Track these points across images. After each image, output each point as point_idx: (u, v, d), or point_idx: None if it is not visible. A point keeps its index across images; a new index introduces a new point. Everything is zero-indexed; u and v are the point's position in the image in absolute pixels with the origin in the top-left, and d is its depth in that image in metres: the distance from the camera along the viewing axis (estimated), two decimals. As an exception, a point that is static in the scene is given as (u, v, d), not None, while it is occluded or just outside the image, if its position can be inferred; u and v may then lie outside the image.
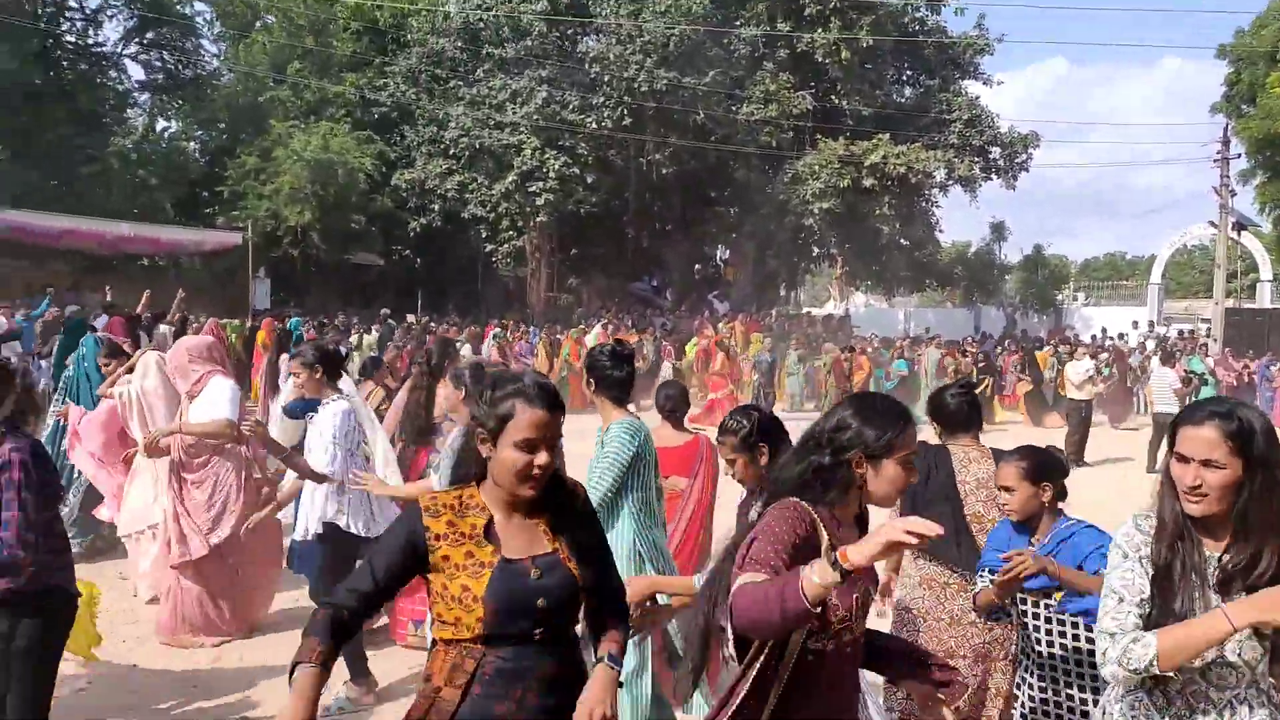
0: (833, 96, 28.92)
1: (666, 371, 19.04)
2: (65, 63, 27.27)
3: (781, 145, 27.97)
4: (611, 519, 3.64)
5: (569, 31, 27.62)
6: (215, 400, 5.14)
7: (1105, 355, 18.87)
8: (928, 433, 3.61)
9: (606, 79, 26.17)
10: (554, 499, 2.19)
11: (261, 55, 29.13)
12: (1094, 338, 24.71)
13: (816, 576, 1.69)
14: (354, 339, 18.12)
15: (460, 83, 28.15)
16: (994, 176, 30.27)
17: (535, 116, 26.04)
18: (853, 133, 27.86)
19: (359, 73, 29.87)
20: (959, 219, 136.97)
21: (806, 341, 22.19)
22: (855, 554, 1.69)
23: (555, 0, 26.85)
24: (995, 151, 29.91)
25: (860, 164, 26.49)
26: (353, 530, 4.58)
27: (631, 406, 3.86)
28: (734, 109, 27.52)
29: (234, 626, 5.40)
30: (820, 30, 27.10)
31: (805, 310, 37.52)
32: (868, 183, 26.46)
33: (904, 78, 32.58)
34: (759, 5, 27.87)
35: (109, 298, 15.41)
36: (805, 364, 19.76)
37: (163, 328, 12.73)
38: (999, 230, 37.01)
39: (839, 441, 2.08)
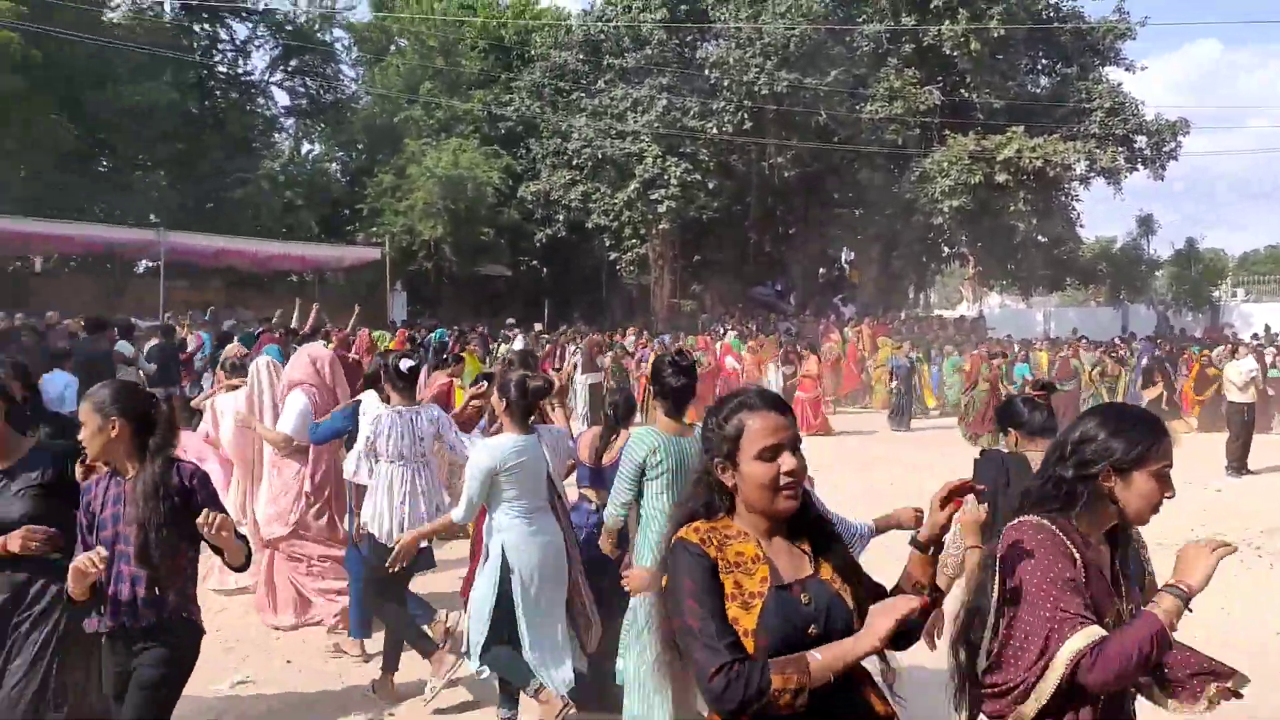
0: (961, 90, 27.94)
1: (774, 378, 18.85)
2: (218, 92, 29.26)
3: (908, 143, 27.21)
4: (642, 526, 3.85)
5: (688, 38, 27.70)
6: (285, 413, 5.68)
7: (1272, 352, 17.40)
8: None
9: (726, 83, 26.12)
10: (807, 520, 2.04)
11: (396, 77, 30.46)
12: (1255, 336, 22.95)
13: (1170, 617, 1.84)
14: (499, 348, 18.67)
15: (583, 94, 28.65)
16: (1140, 167, 28.50)
17: (656, 124, 26.22)
18: (984, 127, 26.83)
19: (486, 89, 30.84)
20: (1102, 213, 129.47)
21: (941, 345, 21.54)
22: (1197, 580, 1.83)
23: (674, 8, 26.96)
24: (1140, 141, 28.17)
25: (992, 159, 25.49)
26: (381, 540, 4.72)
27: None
28: (857, 108, 26.96)
29: (322, 611, 5.76)
30: (947, 22, 26.23)
31: (935, 312, 36.39)
32: (1001, 178, 25.43)
33: (1038, 67, 31.12)
34: (881, 0, 27.24)
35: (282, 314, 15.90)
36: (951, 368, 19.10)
37: (319, 343, 13.38)
38: (1147, 223, 34.85)
39: (1084, 454, 2.04)
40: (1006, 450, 3.98)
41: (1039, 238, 29.04)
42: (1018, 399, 3.85)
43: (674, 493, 3.68)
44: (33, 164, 20.82)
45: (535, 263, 31.30)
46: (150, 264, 24.80)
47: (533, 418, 4.39)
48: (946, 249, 30.89)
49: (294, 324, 14.08)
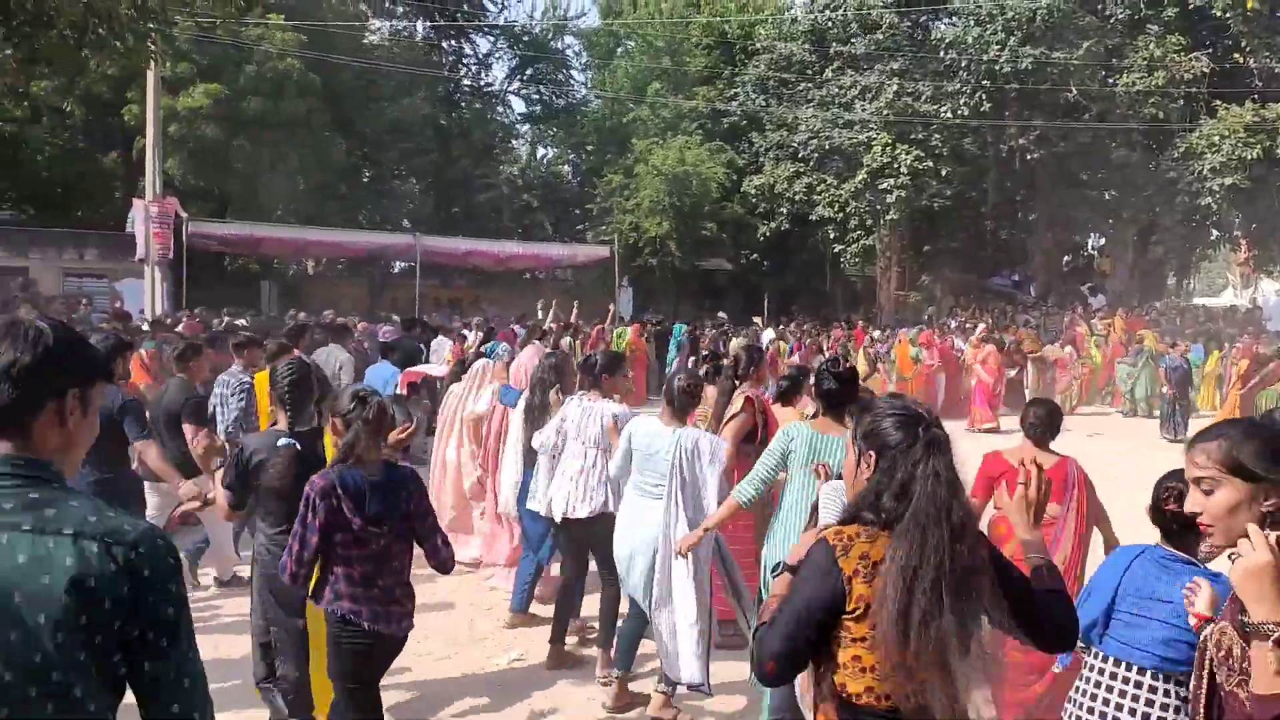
0: (1234, 55, 25.07)
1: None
2: (463, 103, 31.41)
3: (1170, 116, 24.73)
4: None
5: (920, 19, 26.58)
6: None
7: None
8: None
9: (964, 64, 24.82)
10: None
11: (624, 79, 31.38)
12: None
13: None
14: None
15: (808, 85, 28.22)
16: None
17: (885, 111, 25.39)
18: (1261, 95, 23.95)
19: (710, 85, 31.13)
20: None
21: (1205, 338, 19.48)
22: None
23: (906, -10, 25.96)
24: None
25: (1273, 130, 22.71)
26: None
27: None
28: (1111, 81, 24.83)
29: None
30: (1220, -20, 23.62)
31: (1197, 301, 32.95)
32: (1283, 151, 22.63)
33: (1333, 22, 27.35)
34: (1140, -38, 24.95)
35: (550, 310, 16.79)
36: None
37: (565, 340, 14.10)
38: None
39: None
40: None
41: (1331, 216, 25.57)
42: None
43: (811, 489, 3.80)
44: (310, 178, 23.24)
45: (756, 256, 31.24)
46: (405, 264, 27.11)
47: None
48: (1215, 232, 27.84)
49: (548, 323, 14.93)
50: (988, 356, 15.83)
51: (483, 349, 8.31)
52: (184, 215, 18.11)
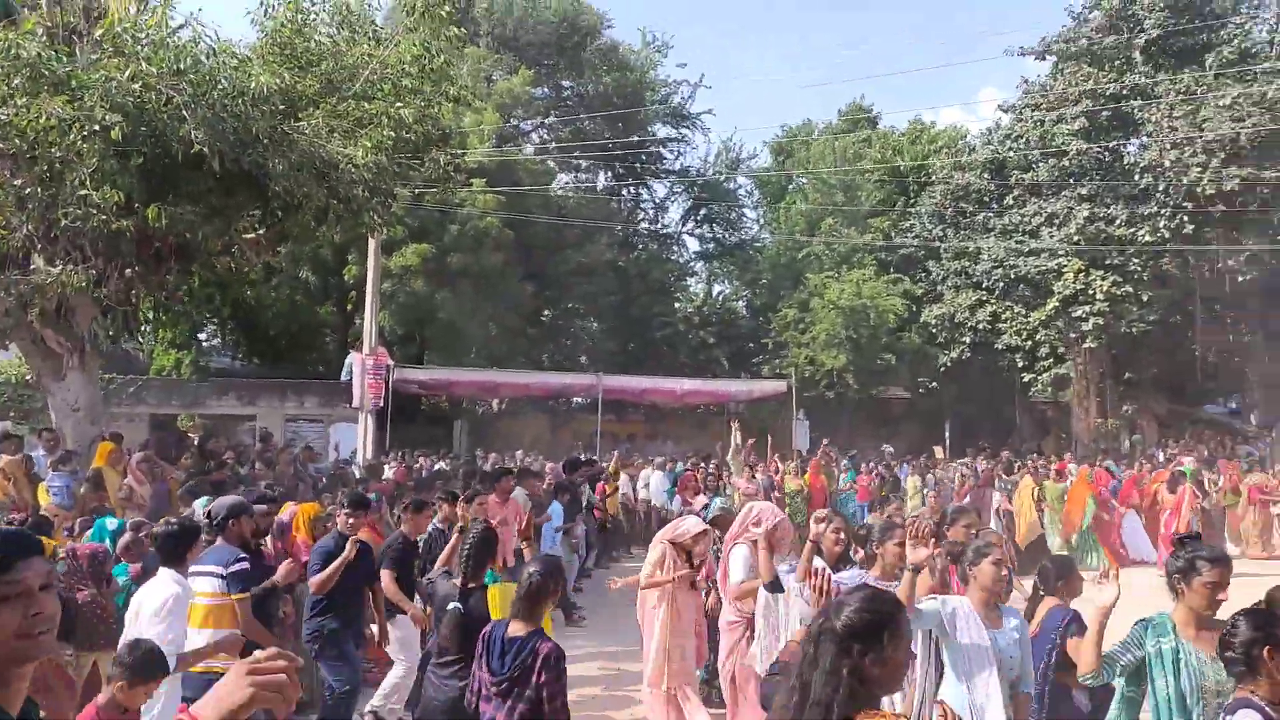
0: None
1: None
2: (640, 245, 32.72)
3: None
4: None
5: (1110, 143, 25.77)
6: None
7: None
8: None
9: (1162, 187, 23.74)
10: None
11: (797, 216, 31.89)
12: None
13: None
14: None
15: (988, 213, 27.71)
16: None
17: (1076, 237, 24.48)
18: None
19: (884, 217, 31.12)
20: None
21: None
22: None
23: (1093, 115, 25.32)
24: None
25: None
26: None
27: None
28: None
29: None
30: None
31: None
32: None
33: None
34: (1352, 71, 23.40)
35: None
36: None
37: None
38: None
39: None
40: None
41: None
42: None
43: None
44: (502, 322, 24.60)
45: (935, 385, 30.24)
46: (583, 400, 27.93)
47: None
48: None
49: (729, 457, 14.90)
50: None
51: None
52: (392, 364, 19.48)
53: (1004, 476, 15.67)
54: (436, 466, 16.90)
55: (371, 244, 17.57)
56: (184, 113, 9.13)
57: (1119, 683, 3.73)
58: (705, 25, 73.70)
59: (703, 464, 17.72)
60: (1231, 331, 27.96)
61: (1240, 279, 24.12)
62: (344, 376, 19.11)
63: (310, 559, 6.36)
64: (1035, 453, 23.83)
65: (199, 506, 7.19)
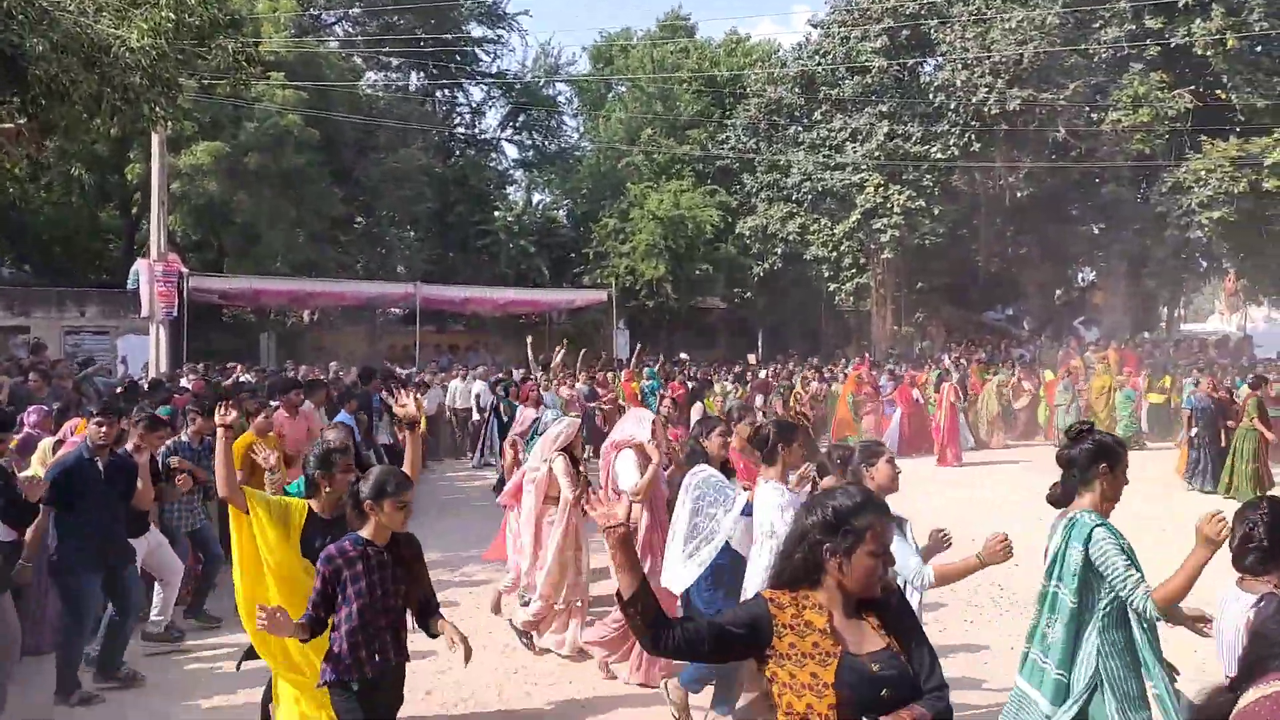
0: (1217, 91, 25.58)
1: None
2: (458, 151, 31.66)
3: (1156, 153, 25.19)
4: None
5: (909, 63, 27.03)
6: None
7: None
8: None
9: (952, 106, 25.25)
10: (878, 598, 2.34)
11: (617, 125, 31.74)
12: None
13: None
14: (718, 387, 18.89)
15: (799, 128, 28.61)
16: None
17: (876, 153, 25.76)
18: (1244, 130, 24.44)
19: (701, 128, 31.52)
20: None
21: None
22: None
23: (894, 34, 26.42)
24: None
25: (1259, 164, 23.15)
26: None
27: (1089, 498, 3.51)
28: (1098, 119, 25.30)
29: None
30: (1199, 21, 24.16)
31: (1183, 328, 33.33)
32: (1270, 184, 23.02)
33: (1310, 56, 27.98)
34: (1121, 3, 25.49)
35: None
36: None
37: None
38: None
39: None
40: None
41: (1318, 245, 25.99)
42: None
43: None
44: (308, 228, 23.32)
45: (750, 295, 31.48)
46: (401, 311, 27.17)
47: None
48: (1204, 263, 28.26)
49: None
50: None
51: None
52: (186, 271, 18.15)
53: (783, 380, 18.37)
54: (241, 379, 16.03)
55: (155, 140, 16.10)
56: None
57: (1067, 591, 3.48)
58: (524, -79, 70.47)
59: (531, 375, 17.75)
60: (1010, 244, 30.57)
61: (1019, 195, 26.24)
62: (130, 284, 17.66)
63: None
64: (843, 359, 25.45)
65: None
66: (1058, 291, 32.29)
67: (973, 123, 25.05)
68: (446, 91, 30.92)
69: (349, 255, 26.28)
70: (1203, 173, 23.90)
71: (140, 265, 17.06)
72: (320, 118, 22.55)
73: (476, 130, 32.19)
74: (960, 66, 25.06)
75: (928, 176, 25.91)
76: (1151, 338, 28.34)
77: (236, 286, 21.42)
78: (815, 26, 29.20)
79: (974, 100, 24.70)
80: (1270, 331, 33.35)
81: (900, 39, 26.67)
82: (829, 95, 27.75)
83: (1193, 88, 25.28)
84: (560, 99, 33.42)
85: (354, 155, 25.22)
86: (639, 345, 23.69)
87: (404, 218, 28.24)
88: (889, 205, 25.53)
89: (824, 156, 27.05)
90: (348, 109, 24.28)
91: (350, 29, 29.23)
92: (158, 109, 11.42)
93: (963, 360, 22.54)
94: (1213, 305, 48.09)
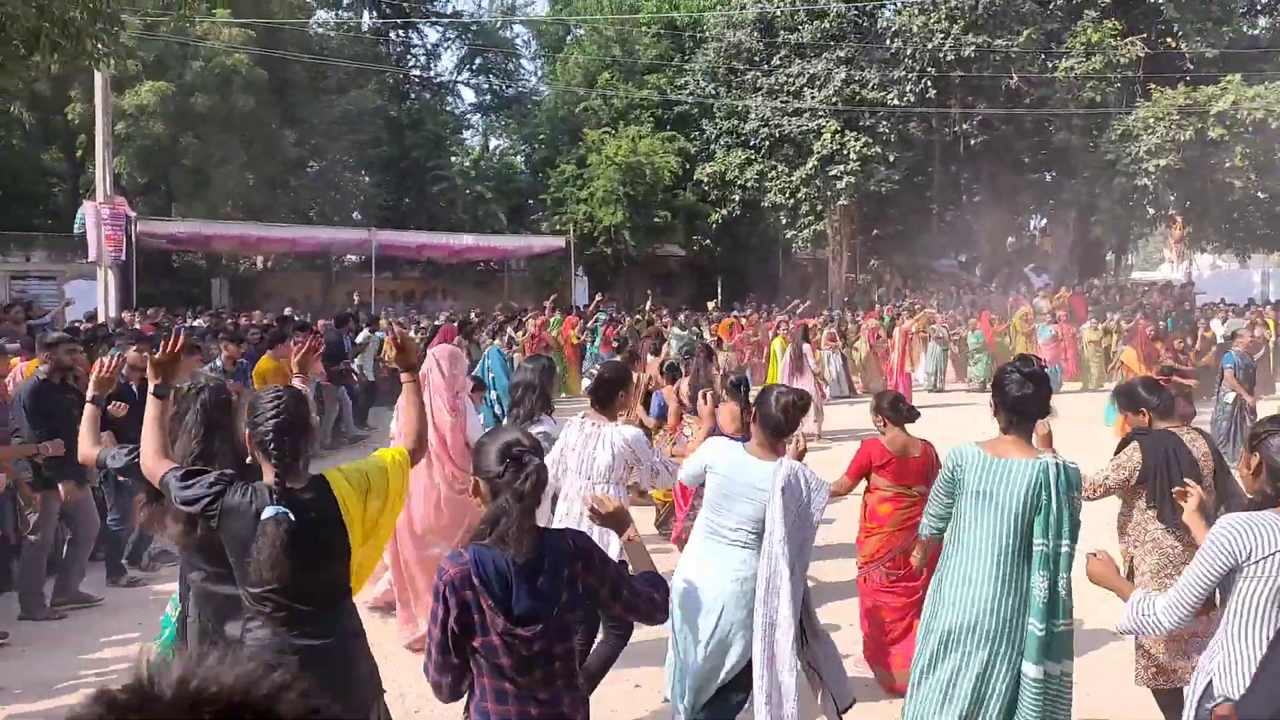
0: (1167, 39, 25.91)
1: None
2: (413, 94, 31.10)
3: (1107, 100, 25.52)
4: None
5: (867, 8, 26.98)
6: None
7: None
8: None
9: (909, 52, 25.31)
10: None
11: (575, 69, 31.34)
12: None
13: None
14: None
15: (757, 73, 28.50)
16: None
17: (834, 99, 25.79)
18: (1193, 78, 24.83)
19: (660, 73, 31.25)
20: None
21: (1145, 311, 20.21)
22: None
23: (853, -21, 26.32)
24: (1385, 82, 25.22)
25: (1205, 113, 23.59)
26: None
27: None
28: (1051, 66, 25.53)
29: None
30: (1152, -33, 24.39)
31: (1134, 275, 34.10)
32: (1215, 133, 23.47)
33: (1259, 6, 28.42)
34: (1076, -51, 25.63)
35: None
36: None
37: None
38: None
39: None
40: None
41: (1259, 194, 26.64)
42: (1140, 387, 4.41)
43: (991, 522, 3.19)
44: (260, 172, 22.90)
45: (709, 242, 31.59)
46: (357, 258, 26.90)
47: None
48: (1151, 210, 28.84)
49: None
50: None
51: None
52: (133, 215, 17.82)
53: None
54: (194, 323, 15.88)
55: (99, 79, 15.66)
56: None
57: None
58: None
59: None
60: (964, 192, 30.94)
61: (973, 142, 26.51)
62: (77, 228, 17.30)
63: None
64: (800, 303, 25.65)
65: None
66: (1009, 239, 32.79)
67: (929, 69, 25.17)
68: (401, 32, 30.26)
69: (302, 199, 25.90)
70: (1151, 120, 24.30)
71: (86, 208, 16.70)
72: (269, 57, 22.02)
73: (432, 73, 31.64)
74: (917, 11, 25.09)
75: (884, 123, 26.04)
76: (1099, 283, 29.00)
77: (186, 231, 21.05)
78: (775, -31, 28.93)
79: (930, 46, 24.79)
80: (1215, 279, 34.18)
81: (858, -17, 26.60)
82: (788, 40, 27.65)
83: (1144, 35, 25.56)
84: (518, 41, 32.92)
85: (306, 97, 24.71)
86: (599, 294, 23.73)
87: (358, 161, 27.83)
88: (845, 152, 25.66)
89: (781, 102, 27.03)
90: (297, 49, 23.72)
91: (299, -35, 28.38)
92: (99, 45, 11.14)
93: (905, 307, 22.82)
94: (1163, 254, 49.13)
